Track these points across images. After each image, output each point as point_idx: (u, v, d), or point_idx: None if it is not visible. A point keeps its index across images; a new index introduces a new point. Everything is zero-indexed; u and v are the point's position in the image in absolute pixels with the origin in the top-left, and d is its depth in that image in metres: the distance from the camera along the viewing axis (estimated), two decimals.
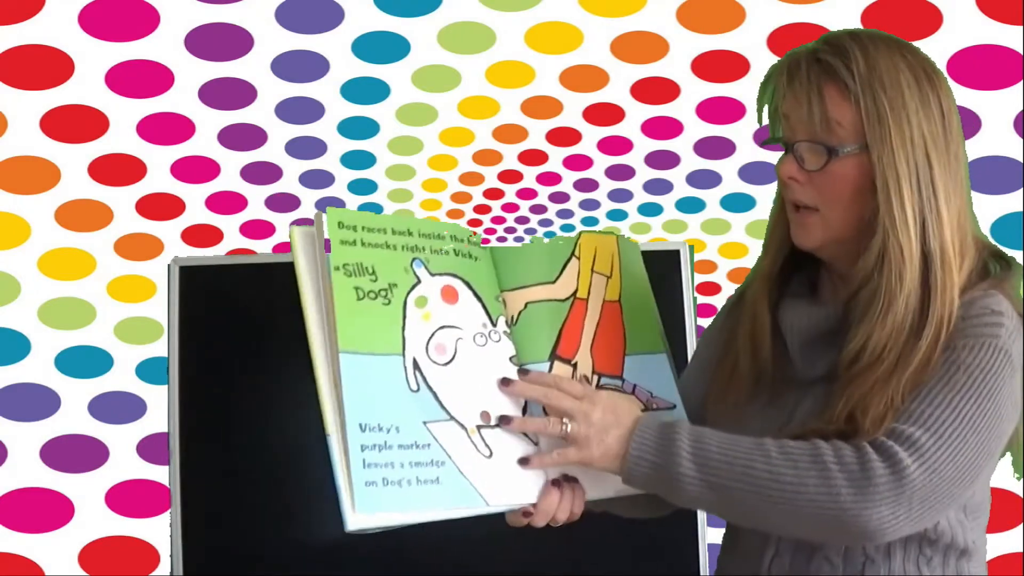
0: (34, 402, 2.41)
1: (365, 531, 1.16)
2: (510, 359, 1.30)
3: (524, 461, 1.24)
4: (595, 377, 1.33)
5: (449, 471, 1.21)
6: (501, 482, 1.24)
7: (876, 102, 1.22)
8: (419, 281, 1.27)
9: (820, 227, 1.27)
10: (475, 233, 1.34)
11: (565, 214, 2.54)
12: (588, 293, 1.37)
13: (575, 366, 1.32)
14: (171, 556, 1.95)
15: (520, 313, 1.33)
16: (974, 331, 1.20)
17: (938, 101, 1.25)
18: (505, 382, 1.27)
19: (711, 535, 1.97)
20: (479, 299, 1.31)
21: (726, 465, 1.18)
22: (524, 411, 1.28)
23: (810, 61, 1.25)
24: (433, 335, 1.26)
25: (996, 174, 2.33)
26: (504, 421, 1.25)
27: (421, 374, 1.24)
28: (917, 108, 1.23)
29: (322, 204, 2.44)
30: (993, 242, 1.30)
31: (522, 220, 2.56)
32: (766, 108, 1.32)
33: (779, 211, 1.33)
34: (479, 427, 1.25)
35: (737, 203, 2.49)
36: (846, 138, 1.23)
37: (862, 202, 1.24)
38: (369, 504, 1.15)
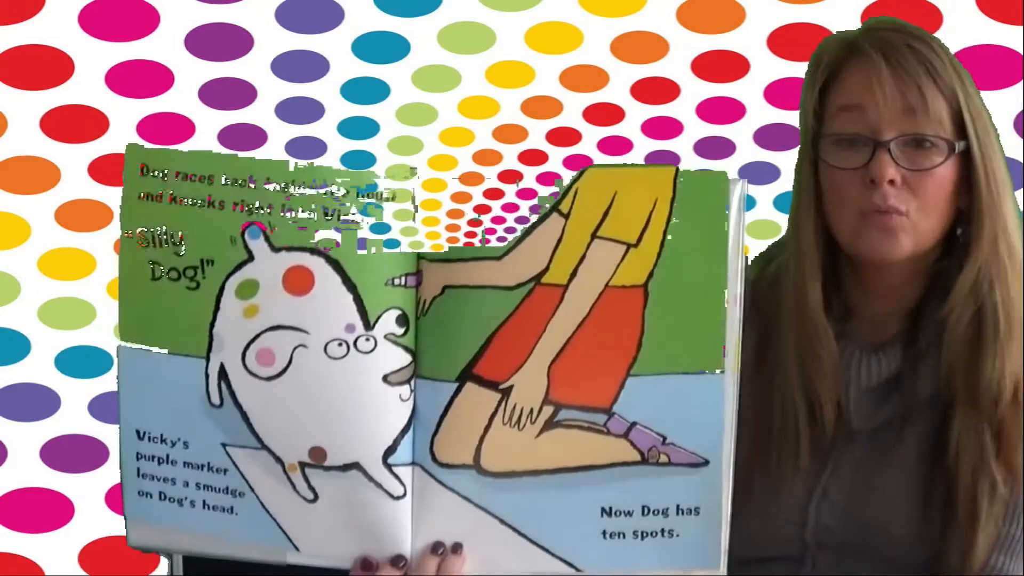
0: (34, 402, 2.41)
1: (156, 550, 1.01)
2: (385, 378, 0.92)
3: None
4: (547, 409, 0.91)
5: (248, 504, 0.95)
6: (323, 531, 0.95)
7: (968, 95, 1.13)
8: (250, 258, 0.92)
9: (910, 235, 1.13)
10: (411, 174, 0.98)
11: None
12: (571, 275, 0.91)
13: (507, 392, 0.91)
14: (171, 556, 1.95)
15: (434, 300, 0.92)
16: None
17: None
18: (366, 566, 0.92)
19: None
20: (352, 288, 0.92)
21: None
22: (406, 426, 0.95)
23: (906, 49, 1.13)
24: (257, 337, 0.93)
25: None
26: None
27: (229, 387, 0.94)
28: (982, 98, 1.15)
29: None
30: None
31: (522, 220, 2.55)
32: (814, 98, 1.16)
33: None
34: (303, 464, 0.94)
35: None
36: (948, 135, 1.12)
37: (952, 207, 1.14)
38: (140, 512, 0.98)
